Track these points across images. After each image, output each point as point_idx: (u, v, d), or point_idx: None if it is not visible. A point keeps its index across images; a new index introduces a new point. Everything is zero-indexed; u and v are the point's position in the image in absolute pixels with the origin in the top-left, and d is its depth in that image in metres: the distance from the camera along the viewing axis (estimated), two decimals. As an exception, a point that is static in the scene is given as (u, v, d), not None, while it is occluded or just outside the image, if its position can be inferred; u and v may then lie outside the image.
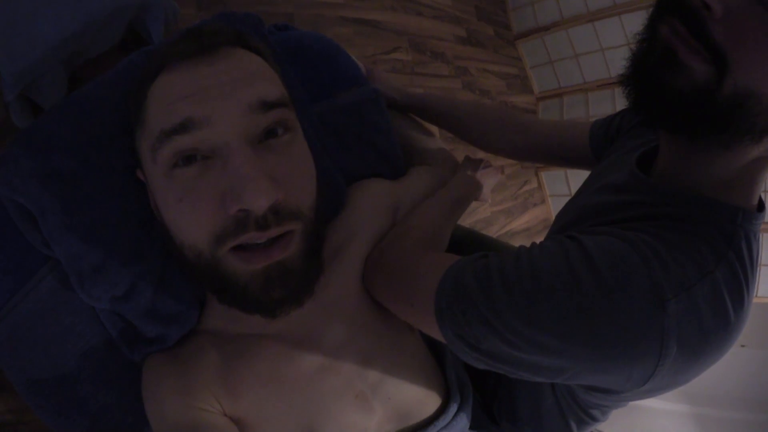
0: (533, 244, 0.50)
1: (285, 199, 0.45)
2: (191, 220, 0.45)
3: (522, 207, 2.92)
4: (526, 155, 0.85)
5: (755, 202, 0.47)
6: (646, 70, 0.43)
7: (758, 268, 0.45)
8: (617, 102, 2.72)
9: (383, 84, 0.86)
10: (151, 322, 0.57)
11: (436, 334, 0.50)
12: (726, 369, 2.67)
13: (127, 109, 0.54)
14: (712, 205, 0.45)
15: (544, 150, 0.81)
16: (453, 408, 0.59)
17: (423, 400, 0.59)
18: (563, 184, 2.92)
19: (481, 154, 0.98)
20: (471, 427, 0.63)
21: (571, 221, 0.61)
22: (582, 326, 0.39)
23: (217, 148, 0.44)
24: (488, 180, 0.84)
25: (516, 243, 2.15)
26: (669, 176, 0.50)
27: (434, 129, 0.98)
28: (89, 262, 0.53)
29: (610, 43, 2.52)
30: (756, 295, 2.26)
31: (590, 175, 0.69)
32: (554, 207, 3.06)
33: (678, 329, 0.38)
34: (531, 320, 0.41)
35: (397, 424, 0.56)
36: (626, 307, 0.38)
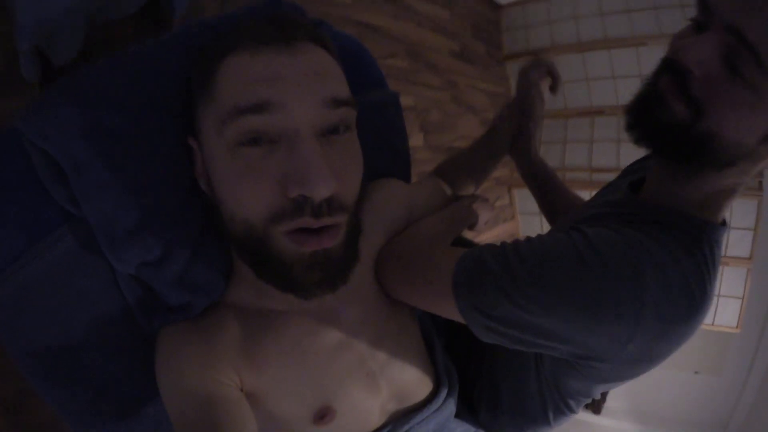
0: (539, 234, 0.59)
1: (339, 193, 0.47)
2: (250, 195, 0.46)
3: (492, 222, 3.00)
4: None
5: (719, 219, 0.59)
6: (645, 105, 0.57)
7: (720, 273, 0.56)
8: (595, 131, 2.85)
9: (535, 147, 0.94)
10: (179, 290, 0.56)
11: (449, 306, 0.56)
12: (679, 393, 2.80)
13: (188, 76, 0.54)
14: (686, 217, 0.57)
15: None
16: (443, 393, 0.63)
17: (419, 384, 0.63)
18: (534, 203, 3.03)
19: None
20: (456, 414, 0.67)
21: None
22: (579, 291, 0.49)
23: (286, 134, 0.45)
24: (483, 213, 0.92)
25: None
26: (654, 196, 0.62)
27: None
28: (124, 223, 0.52)
29: (597, 75, 2.65)
30: (712, 323, 2.41)
31: (590, 199, 0.81)
32: (523, 224, 3.16)
33: (652, 298, 0.48)
34: (540, 284, 0.51)
35: (397, 404, 0.60)
36: (614, 277, 0.49)
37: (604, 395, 2.80)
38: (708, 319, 2.36)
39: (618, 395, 2.85)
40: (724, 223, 0.59)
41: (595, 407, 2.79)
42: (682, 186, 0.58)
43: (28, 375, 0.56)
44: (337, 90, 0.48)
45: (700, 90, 0.50)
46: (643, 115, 0.56)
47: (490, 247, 0.58)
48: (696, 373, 2.54)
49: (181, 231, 0.55)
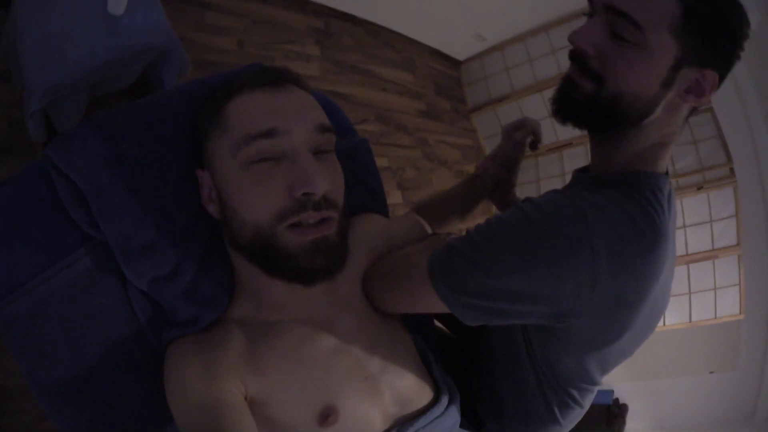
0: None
1: (331, 193, 0.59)
2: (262, 199, 0.56)
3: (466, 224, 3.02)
4: None
5: (659, 169, 0.65)
6: (561, 92, 0.66)
7: (670, 212, 0.62)
8: (565, 164, 2.98)
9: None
10: (187, 303, 0.62)
11: (430, 296, 0.61)
12: (699, 396, 2.73)
13: (197, 118, 0.65)
14: (623, 172, 0.65)
15: None
16: (444, 399, 0.66)
17: (419, 391, 0.66)
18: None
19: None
20: (460, 426, 0.69)
21: None
22: (534, 242, 0.56)
23: (287, 152, 0.57)
24: None
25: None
26: (598, 169, 0.69)
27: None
28: (140, 240, 0.59)
29: (557, 110, 2.82)
30: (715, 317, 2.41)
31: None
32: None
33: (601, 234, 0.54)
34: (500, 246, 0.58)
35: (400, 408, 0.63)
36: (561, 223, 0.55)
37: (622, 417, 2.71)
38: (710, 313, 2.45)
39: (638, 414, 2.77)
40: (666, 174, 0.66)
41: (616, 431, 2.67)
42: (616, 151, 0.65)
43: (37, 390, 0.59)
44: (323, 119, 0.62)
45: (597, 63, 0.60)
46: (562, 100, 0.66)
47: (455, 237, 0.66)
48: (711, 372, 2.50)
49: (189, 249, 0.62)
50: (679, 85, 0.59)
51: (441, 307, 0.61)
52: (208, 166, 0.62)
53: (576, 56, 0.63)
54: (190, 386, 0.54)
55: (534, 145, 0.98)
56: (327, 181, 0.56)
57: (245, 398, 0.55)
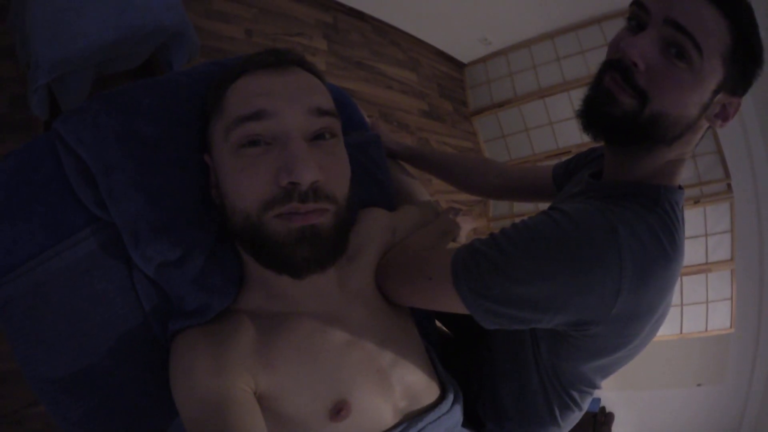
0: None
1: (325, 183, 0.55)
2: (248, 186, 0.54)
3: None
4: (501, 194, 1.05)
5: (675, 184, 0.65)
6: (594, 105, 0.63)
7: (683, 227, 0.62)
8: (565, 170, 2.99)
9: (384, 136, 1.02)
10: (196, 291, 0.59)
11: (450, 297, 0.60)
12: (686, 408, 2.75)
13: (204, 100, 0.62)
14: (643, 185, 0.63)
15: (518, 189, 1.01)
16: (450, 396, 0.66)
17: (427, 387, 0.65)
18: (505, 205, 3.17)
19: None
20: (462, 425, 0.68)
21: None
22: (564, 252, 0.54)
23: (278, 136, 0.54)
24: (465, 225, 0.99)
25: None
26: (613, 178, 0.68)
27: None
28: (149, 222, 0.56)
29: (559, 117, 2.83)
30: (706, 330, 2.44)
31: (556, 197, 0.88)
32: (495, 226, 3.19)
33: (629, 248, 0.53)
34: (529, 254, 0.56)
35: (409, 403, 0.62)
36: (591, 234, 0.54)
37: (608, 425, 2.73)
38: (701, 326, 2.48)
39: (624, 424, 2.79)
40: (680, 188, 0.66)
41: None
42: (638, 163, 0.64)
43: (32, 379, 0.56)
44: (320, 102, 0.57)
45: (645, 79, 0.58)
46: (595, 114, 0.63)
47: (479, 238, 0.63)
48: (699, 385, 2.53)
49: (200, 235, 0.60)
50: (711, 110, 0.59)
51: (459, 309, 0.60)
52: (209, 150, 0.60)
53: (621, 67, 0.59)
54: (197, 381, 0.51)
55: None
56: (314, 170, 0.52)
57: (255, 393, 0.53)
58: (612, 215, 0.55)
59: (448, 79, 3.23)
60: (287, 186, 0.52)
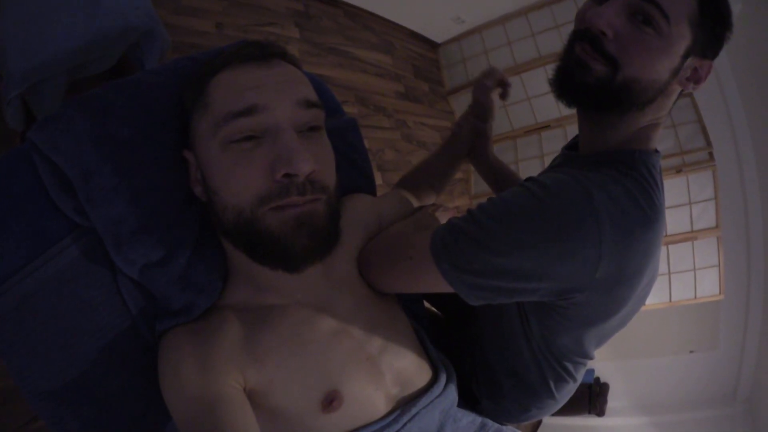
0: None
1: (318, 173, 0.55)
2: (241, 181, 0.53)
3: (447, 194, 3.04)
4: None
5: (651, 148, 0.66)
6: (567, 73, 0.65)
7: (662, 189, 0.63)
8: (543, 145, 3.03)
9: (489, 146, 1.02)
10: (181, 290, 0.59)
11: (433, 275, 0.61)
12: (680, 376, 2.81)
13: (182, 96, 0.61)
14: (618, 151, 0.65)
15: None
16: (443, 378, 0.66)
17: (418, 370, 0.66)
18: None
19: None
20: (458, 405, 0.69)
21: None
22: (541, 220, 0.55)
23: (269, 129, 0.54)
24: (444, 219, 0.97)
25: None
26: (589, 147, 0.69)
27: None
28: (131, 225, 0.56)
29: (536, 92, 2.83)
30: (695, 297, 2.48)
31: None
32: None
33: (606, 212, 0.54)
34: (508, 225, 0.57)
35: (401, 389, 0.62)
36: (567, 200, 0.55)
37: (604, 396, 2.79)
38: (690, 293, 2.49)
39: (619, 393, 2.83)
40: (657, 152, 0.67)
41: (598, 410, 2.76)
42: (611, 130, 0.65)
43: (28, 393, 0.55)
44: (307, 94, 0.58)
45: (614, 47, 0.60)
46: (568, 82, 0.65)
47: (456, 216, 0.64)
48: (691, 352, 2.56)
49: (182, 233, 0.59)
50: (682, 73, 0.61)
51: (443, 287, 0.61)
52: (193, 146, 0.59)
53: (590, 36, 0.61)
54: (186, 381, 0.51)
55: (503, 95, 0.99)
56: (311, 161, 0.52)
57: (245, 389, 0.53)
58: (587, 181, 0.56)
59: (423, 59, 3.21)
60: (282, 179, 0.52)
